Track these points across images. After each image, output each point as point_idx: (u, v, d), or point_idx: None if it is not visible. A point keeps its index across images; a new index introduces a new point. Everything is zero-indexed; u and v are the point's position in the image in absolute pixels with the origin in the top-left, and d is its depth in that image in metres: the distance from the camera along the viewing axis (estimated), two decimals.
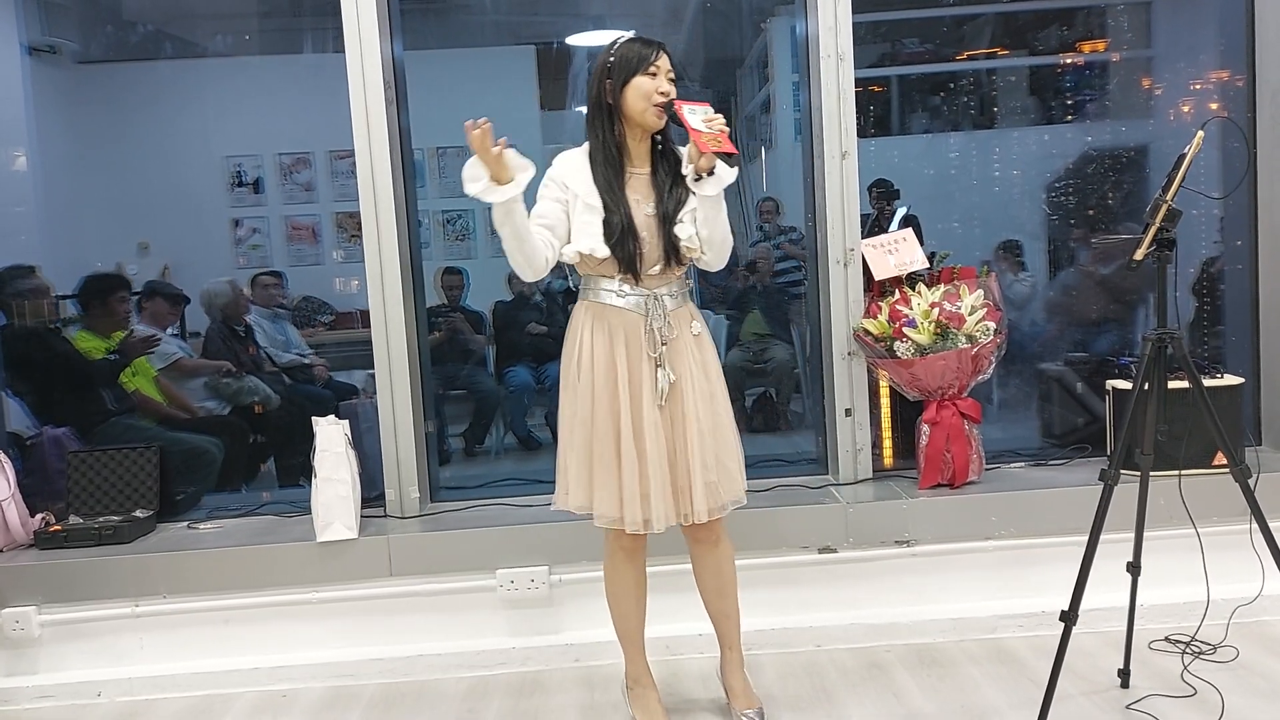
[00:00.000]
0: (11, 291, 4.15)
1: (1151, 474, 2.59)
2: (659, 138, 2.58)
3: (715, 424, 2.58)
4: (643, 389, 2.52)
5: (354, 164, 3.45)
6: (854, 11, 3.47)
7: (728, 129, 2.39)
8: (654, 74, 2.51)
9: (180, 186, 5.64)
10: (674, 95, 2.49)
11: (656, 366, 2.52)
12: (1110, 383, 3.56)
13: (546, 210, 2.54)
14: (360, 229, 3.46)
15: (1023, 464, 3.71)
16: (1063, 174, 4.97)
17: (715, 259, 2.58)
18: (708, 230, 2.52)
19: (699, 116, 2.42)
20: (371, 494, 3.54)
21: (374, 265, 3.45)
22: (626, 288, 2.54)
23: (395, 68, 3.51)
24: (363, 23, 3.37)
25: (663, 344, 2.53)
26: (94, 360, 4.20)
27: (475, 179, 2.35)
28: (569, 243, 2.52)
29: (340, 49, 3.41)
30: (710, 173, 2.45)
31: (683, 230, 2.51)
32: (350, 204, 3.84)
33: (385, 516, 3.50)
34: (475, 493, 3.78)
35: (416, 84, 3.70)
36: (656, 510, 2.52)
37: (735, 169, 2.44)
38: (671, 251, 2.53)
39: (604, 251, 2.48)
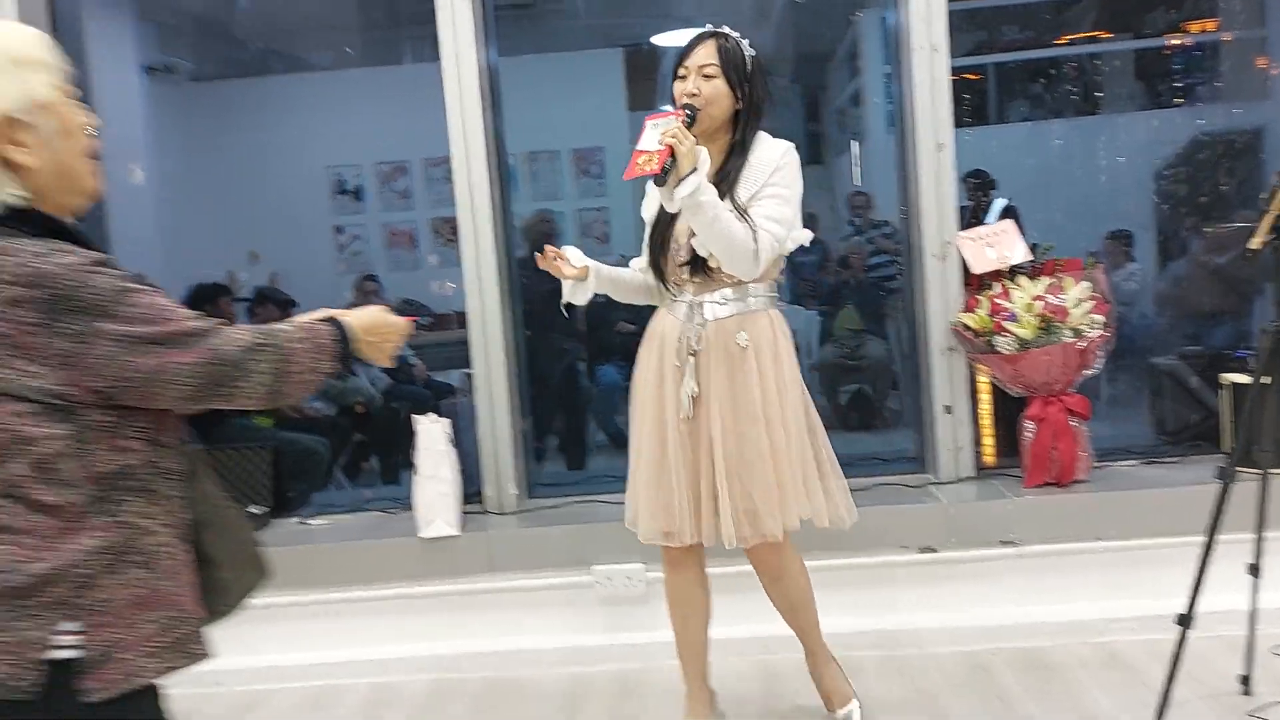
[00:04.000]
0: None
1: (1271, 471, 2.49)
2: (736, 138, 2.47)
3: (748, 449, 2.41)
4: (669, 400, 2.47)
5: (450, 170, 3.52)
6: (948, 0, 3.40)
7: (682, 141, 2.23)
8: (683, 76, 2.44)
9: (286, 196, 5.84)
10: (699, 93, 2.39)
11: (683, 376, 2.43)
12: (1227, 377, 3.42)
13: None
14: (456, 233, 3.53)
15: (1134, 462, 3.59)
16: (1173, 160, 4.80)
17: (728, 265, 2.38)
18: (700, 238, 2.37)
19: (658, 131, 2.28)
20: (470, 491, 3.61)
21: (471, 268, 3.51)
22: (675, 293, 2.50)
23: (489, 74, 3.57)
24: (458, 31, 3.44)
25: (690, 354, 2.42)
26: None
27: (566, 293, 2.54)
28: None
29: (436, 58, 3.48)
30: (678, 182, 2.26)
31: (697, 240, 2.40)
32: (446, 209, 3.93)
33: (484, 513, 3.56)
34: (570, 490, 3.83)
35: (509, 89, 3.76)
36: (679, 524, 2.46)
37: (693, 182, 2.23)
38: (696, 261, 2.43)
39: (642, 262, 2.50)
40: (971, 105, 5.53)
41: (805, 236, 2.53)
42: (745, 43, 2.49)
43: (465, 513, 3.50)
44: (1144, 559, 3.21)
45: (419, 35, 4.49)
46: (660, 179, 2.25)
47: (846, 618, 3.23)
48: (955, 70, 3.44)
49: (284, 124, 5.78)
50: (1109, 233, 4.95)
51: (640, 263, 2.58)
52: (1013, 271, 3.43)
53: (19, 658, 1.30)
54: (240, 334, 1.41)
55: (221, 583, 1.55)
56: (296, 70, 5.94)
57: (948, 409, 3.48)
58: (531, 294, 3.94)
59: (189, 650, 1.43)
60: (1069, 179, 5.14)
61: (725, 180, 2.41)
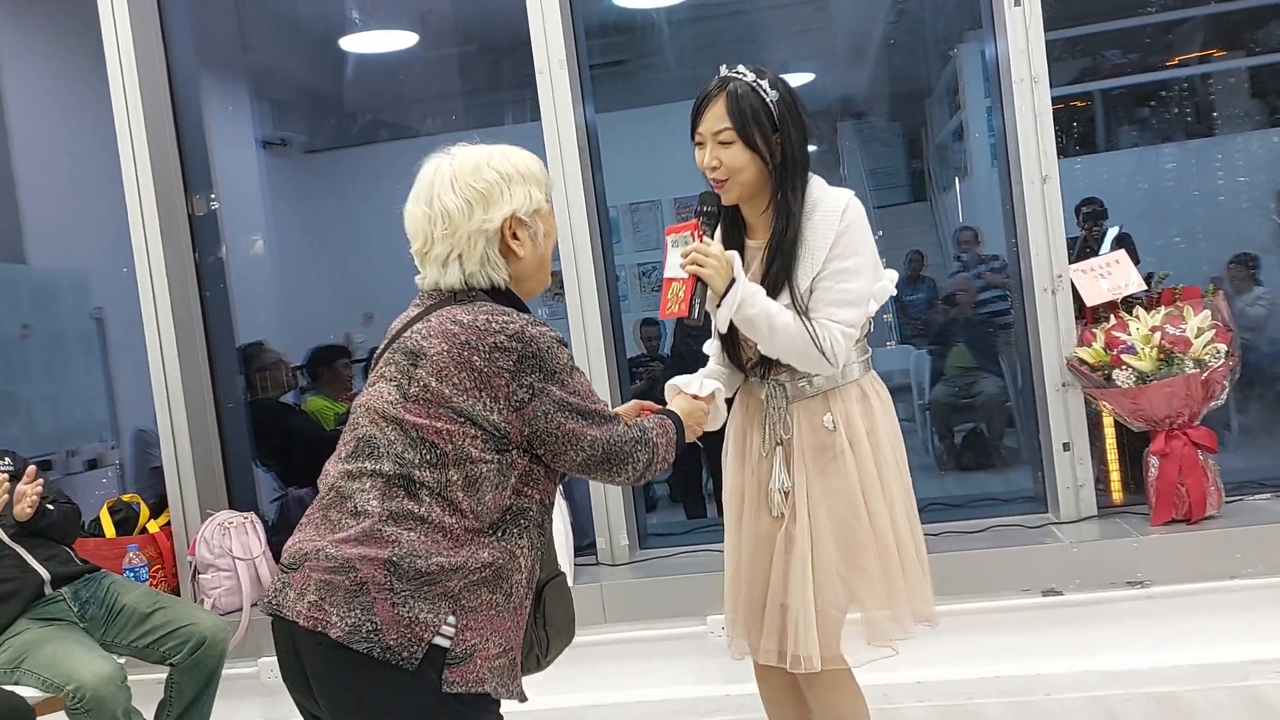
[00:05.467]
0: (255, 367, 4.55)
1: None
2: (780, 196, 2.07)
3: (849, 540, 2.08)
4: (757, 492, 2.16)
5: None
6: (1047, 29, 3.36)
7: (704, 264, 1.95)
8: (700, 144, 2.09)
9: (398, 259, 6.02)
10: (720, 164, 2.04)
11: (771, 469, 2.12)
12: None
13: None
14: (562, 287, 3.60)
15: (1269, 495, 3.42)
16: None
17: (801, 368, 2.08)
18: (762, 349, 2.07)
19: (677, 253, 2.01)
20: (583, 543, 3.65)
21: (576, 320, 3.58)
22: (753, 375, 2.19)
23: (588, 131, 3.66)
24: (557, 92, 3.54)
25: (777, 443, 2.11)
26: (327, 431, 4.54)
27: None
28: None
29: (537, 118, 3.59)
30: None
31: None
32: (553, 264, 4.03)
33: (597, 564, 3.59)
34: (682, 539, 3.82)
35: (608, 144, 3.84)
36: (751, 639, 2.17)
37: (731, 300, 1.97)
38: (765, 361, 2.12)
39: (715, 344, 2.20)
40: (1079, 133, 5.41)
41: (891, 278, 2.19)
42: (765, 84, 2.05)
43: (578, 564, 3.53)
44: None
45: (519, 98, 4.63)
46: (694, 320, 1.99)
47: (969, 664, 3.15)
48: (1060, 98, 3.39)
49: (394, 189, 5.99)
50: (1232, 257, 4.75)
51: (713, 349, 2.28)
52: (1127, 302, 3.33)
53: (411, 633, 1.54)
54: (628, 430, 1.72)
55: (544, 639, 1.80)
56: (404, 137, 6.18)
57: (1066, 446, 3.37)
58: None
59: (512, 683, 1.65)
60: (1185, 204, 4.97)
61: (781, 257, 2.06)
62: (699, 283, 1.98)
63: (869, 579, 2.08)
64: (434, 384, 1.59)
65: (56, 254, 4.59)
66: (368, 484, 1.61)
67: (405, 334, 1.68)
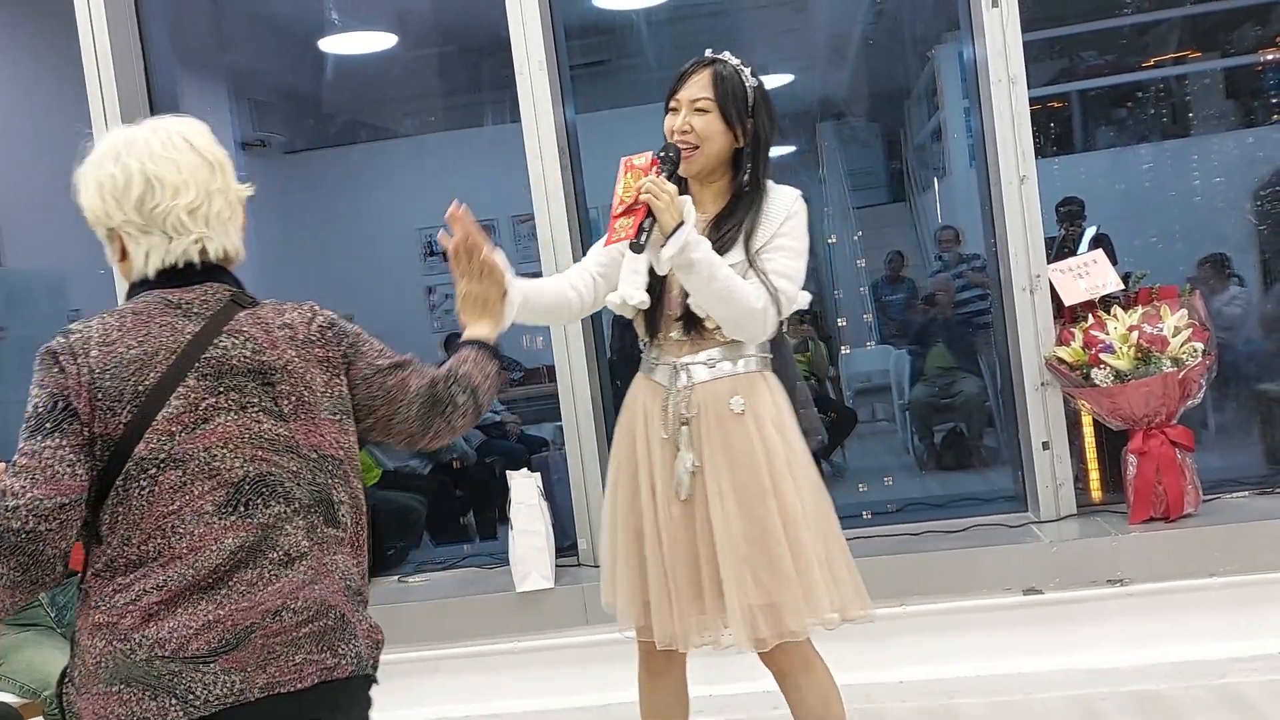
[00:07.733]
0: None
1: None
2: (745, 179, 2.15)
3: (757, 531, 2.05)
4: (659, 479, 2.13)
5: (534, 227, 3.60)
6: (1025, 31, 3.38)
7: (659, 195, 1.95)
8: (675, 109, 2.14)
9: (378, 258, 6.03)
10: (691, 130, 2.09)
11: (677, 451, 2.10)
12: None
13: (600, 254, 2.23)
14: None
15: (1246, 493, 3.45)
16: (1270, 179, 4.63)
17: (731, 329, 2.07)
18: (695, 300, 2.06)
19: (632, 183, 2.02)
20: (564, 544, 3.64)
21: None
22: (656, 354, 2.17)
23: (568, 132, 3.66)
24: (536, 93, 3.53)
25: (682, 424, 2.09)
26: None
27: None
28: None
29: (517, 119, 3.58)
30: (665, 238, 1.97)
31: (693, 299, 2.09)
32: (533, 265, 4.02)
33: (579, 565, 3.58)
34: None
35: (588, 145, 3.83)
36: (676, 628, 2.11)
37: (678, 240, 1.95)
38: (689, 318, 2.10)
39: (638, 298, 2.07)
40: (1056, 134, 5.45)
41: (804, 300, 2.20)
42: (747, 71, 2.16)
43: (559, 566, 3.52)
44: (1264, 595, 3.07)
45: (499, 99, 4.63)
46: (638, 245, 1.97)
47: (949, 664, 3.17)
48: (1038, 99, 3.41)
49: (374, 190, 5.98)
50: (1203, 258, 4.80)
51: (576, 276, 2.22)
52: (1105, 302, 3.35)
53: (374, 641, 1.61)
54: (434, 370, 1.65)
55: None
56: (383, 138, 6.16)
57: (1045, 445, 3.39)
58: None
59: None
60: (1161, 204, 5.01)
61: (738, 227, 2.11)
62: (649, 215, 1.98)
63: (780, 568, 2.05)
64: (305, 394, 1.51)
65: (32, 256, 4.54)
66: (288, 527, 1.48)
67: (212, 356, 1.47)
